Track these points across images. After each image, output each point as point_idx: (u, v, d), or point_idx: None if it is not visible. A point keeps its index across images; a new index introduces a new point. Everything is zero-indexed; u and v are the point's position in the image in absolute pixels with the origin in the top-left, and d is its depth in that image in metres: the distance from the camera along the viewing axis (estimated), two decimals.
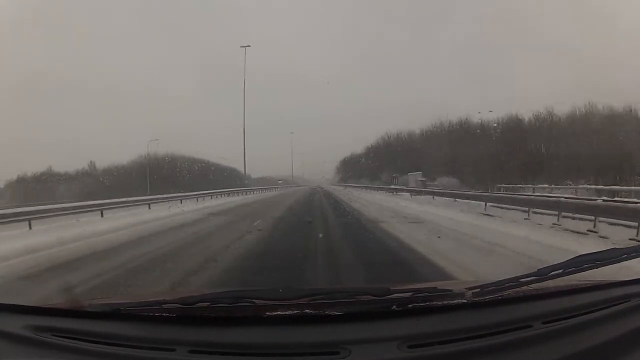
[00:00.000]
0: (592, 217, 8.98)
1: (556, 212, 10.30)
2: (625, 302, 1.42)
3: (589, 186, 20.62)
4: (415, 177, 33.08)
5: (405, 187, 30.71)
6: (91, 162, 38.41)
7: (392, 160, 39.73)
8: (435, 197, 20.98)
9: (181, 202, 21.18)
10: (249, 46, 35.54)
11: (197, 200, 24.15)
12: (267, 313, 1.33)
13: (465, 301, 1.38)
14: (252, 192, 38.10)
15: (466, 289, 1.43)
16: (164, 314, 1.36)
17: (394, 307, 1.33)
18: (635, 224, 7.74)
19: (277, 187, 49.09)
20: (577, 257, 1.43)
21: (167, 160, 41.78)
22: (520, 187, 22.85)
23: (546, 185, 22.42)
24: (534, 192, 19.41)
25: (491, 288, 1.39)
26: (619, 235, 7.82)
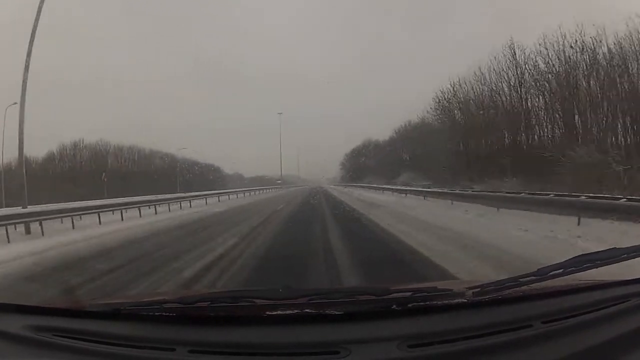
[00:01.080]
0: None
1: None
2: (625, 302, 1.42)
3: None
4: None
5: None
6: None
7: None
8: None
9: None
10: None
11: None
12: (267, 313, 1.33)
13: (465, 301, 1.38)
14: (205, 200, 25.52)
15: (466, 288, 1.43)
16: (164, 314, 1.36)
17: (394, 306, 1.33)
18: None
19: (261, 190, 40.72)
20: (578, 257, 1.43)
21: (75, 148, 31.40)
22: None
23: None
24: None
25: (491, 288, 1.39)
26: None
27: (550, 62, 22.65)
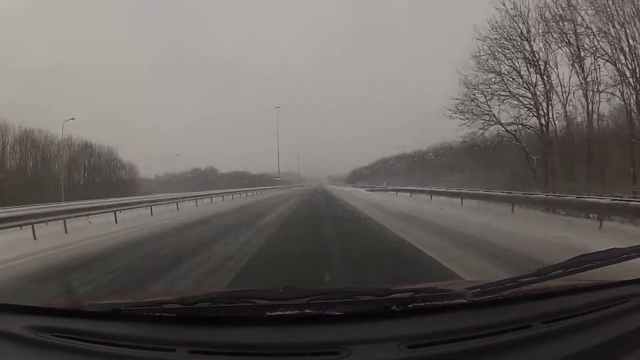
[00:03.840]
0: None
1: None
2: (625, 302, 1.42)
3: None
4: None
5: None
6: None
7: None
8: None
9: None
10: None
11: None
12: (267, 313, 1.33)
13: (466, 301, 1.38)
14: None
15: (466, 289, 1.43)
16: (164, 314, 1.36)
17: (394, 307, 1.33)
18: None
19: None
20: (578, 257, 1.43)
21: None
22: None
23: None
24: None
25: (491, 288, 1.39)
26: None
27: None
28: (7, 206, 16.88)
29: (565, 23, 18.92)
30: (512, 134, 20.73)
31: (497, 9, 19.63)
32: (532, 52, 19.96)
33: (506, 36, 20.09)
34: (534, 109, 20.03)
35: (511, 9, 19.66)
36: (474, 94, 20.48)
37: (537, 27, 19.68)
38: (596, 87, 18.57)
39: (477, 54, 20.65)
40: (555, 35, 19.39)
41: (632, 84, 17.49)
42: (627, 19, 17.34)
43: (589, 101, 18.90)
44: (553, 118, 19.89)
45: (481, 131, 20.85)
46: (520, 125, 20.33)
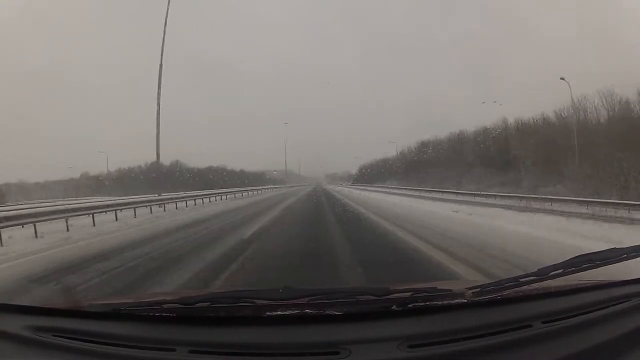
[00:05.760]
0: None
1: None
2: (625, 302, 1.42)
3: None
4: None
5: None
6: None
7: None
8: None
9: None
10: None
11: None
12: (267, 313, 1.33)
13: (465, 301, 1.38)
14: None
15: (466, 288, 1.43)
16: (164, 314, 1.36)
17: (394, 307, 1.33)
18: None
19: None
20: (577, 257, 1.43)
21: None
22: None
23: None
24: None
25: (491, 288, 1.39)
26: None
27: None
28: None
29: None
30: None
31: None
32: None
33: None
34: None
35: None
36: None
37: None
38: None
39: None
40: None
41: None
42: None
43: None
44: None
45: None
46: None
